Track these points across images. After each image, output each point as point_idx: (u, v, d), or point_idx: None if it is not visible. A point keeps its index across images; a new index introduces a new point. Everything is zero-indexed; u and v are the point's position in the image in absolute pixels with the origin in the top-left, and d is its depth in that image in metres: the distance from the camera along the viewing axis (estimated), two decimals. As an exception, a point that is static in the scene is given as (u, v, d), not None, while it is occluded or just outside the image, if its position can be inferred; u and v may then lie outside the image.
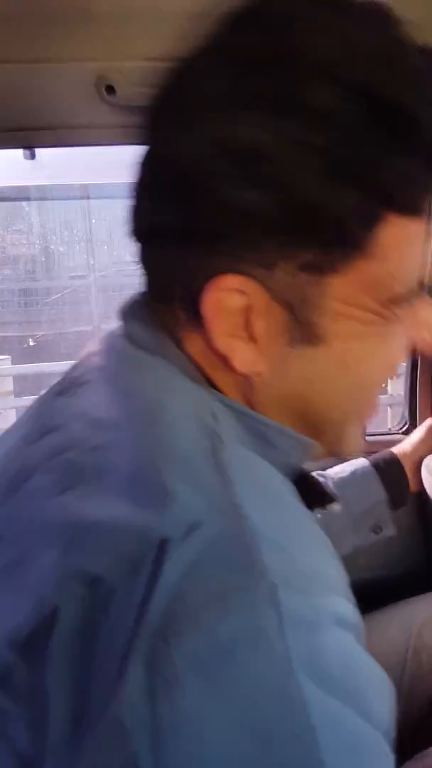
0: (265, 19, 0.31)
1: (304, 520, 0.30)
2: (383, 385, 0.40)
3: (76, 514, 0.28)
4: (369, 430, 1.04)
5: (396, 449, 0.89)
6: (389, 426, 1.12)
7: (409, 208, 0.32)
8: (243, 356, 0.33)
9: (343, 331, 0.33)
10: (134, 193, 0.35)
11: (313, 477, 0.42)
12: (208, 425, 0.32)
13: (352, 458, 0.68)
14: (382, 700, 0.27)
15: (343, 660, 0.25)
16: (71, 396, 0.37)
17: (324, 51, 0.29)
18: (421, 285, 0.36)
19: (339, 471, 0.86)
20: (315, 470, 0.88)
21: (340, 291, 0.32)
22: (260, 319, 0.33)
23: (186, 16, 0.53)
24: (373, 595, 0.88)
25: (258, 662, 0.23)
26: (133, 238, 0.36)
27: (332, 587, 0.27)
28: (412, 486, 0.86)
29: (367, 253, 0.32)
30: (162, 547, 0.25)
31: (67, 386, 0.38)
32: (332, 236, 0.31)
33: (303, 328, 0.33)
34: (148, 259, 0.36)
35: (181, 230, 0.32)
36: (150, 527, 0.26)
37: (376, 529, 0.83)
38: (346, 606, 0.27)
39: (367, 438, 1.02)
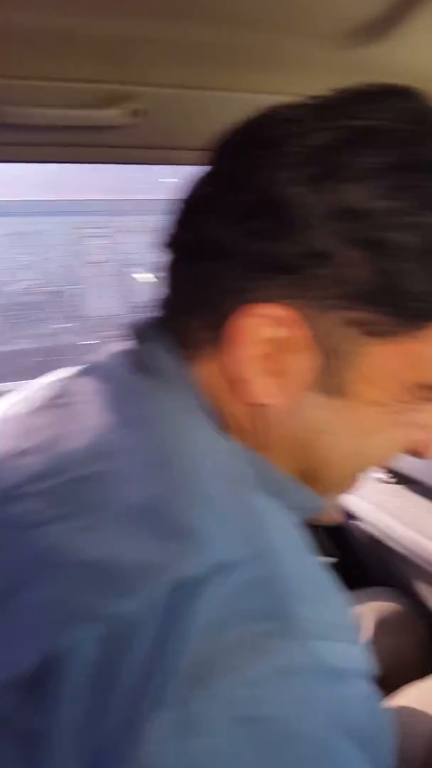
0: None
1: (323, 571, 0.29)
2: (381, 464, 0.39)
3: (82, 548, 0.26)
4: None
5: None
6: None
7: None
8: (264, 386, 0.33)
9: (366, 396, 0.34)
10: (190, 205, 0.35)
11: (317, 528, 0.41)
12: (229, 467, 0.31)
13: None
14: (389, 746, 0.28)
15: (364, 709, 0.25)
16: (48, 417, 0.34)
17: None
18: None
19: None
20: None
21: (379, 359, 0.33)
22: (293, 356, 0.32)
23: (64, 37, 0.52)
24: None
25: (289, 706, 0.23)
26: (172, 249, 0.35)
27: (355, 638, 0.27)
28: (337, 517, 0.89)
29: (421, 336, 0.33)
30: (188, 586, 0.24)
31: (40, 406, 0.35)
32: (394, 308, 0.32)
33: (329, 379, 0.33)
34: (186, 273, 0.35)
35: (246, 252, 0.32)
36: (173, 565, 0.25)
37: None
38: (363, 655, 0.27)
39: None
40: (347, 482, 0.39)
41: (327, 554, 0.97)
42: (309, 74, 0.74)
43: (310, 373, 0.33)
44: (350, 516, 0.82)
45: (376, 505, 0.72)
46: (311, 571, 0.29)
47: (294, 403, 0.34)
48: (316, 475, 0.37)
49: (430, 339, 0.33)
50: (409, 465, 0.64)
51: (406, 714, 0.60)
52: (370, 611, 0.79)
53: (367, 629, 0.77)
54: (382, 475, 0.76)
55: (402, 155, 0.30)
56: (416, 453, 0.39)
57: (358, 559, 0.92)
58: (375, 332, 0.32)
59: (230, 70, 0.69)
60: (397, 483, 0.74)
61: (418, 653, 0.77)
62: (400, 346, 0.33)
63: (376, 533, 0.76)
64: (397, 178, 0.30)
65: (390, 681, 0.74)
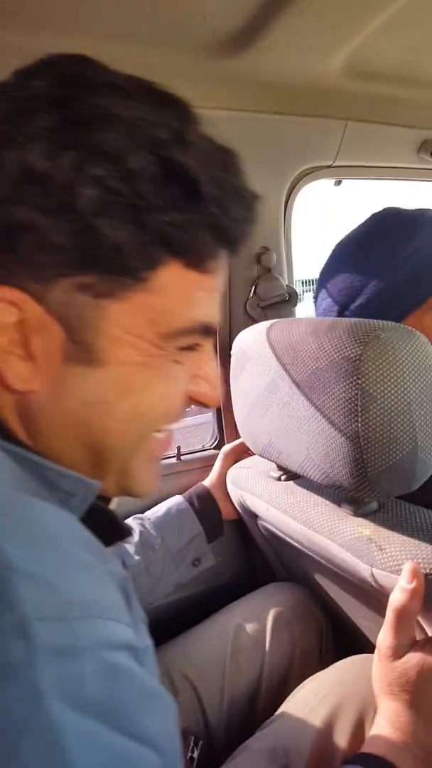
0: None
1: (76, 553, 0.30)
2: (165, 421, 0.40)
3: None
4: (184, 449, 1.08)
5: (207, 481, 0.94)
6: (203, 444, 1.17)
7: (192, 262, 0.35)
8: (16, 373, 0.33)
9: (121, 357, 0.35)
10: None
11: (108, 512, 0.42)
12: None
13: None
14: (156, 715, 0.28)
15: (104, 681, 0.26)
16: None
17: (127, 112, 0.32)
18: (204, 333, 0.38)
19: (155, 511, 0.89)
20: (126, 508, 0.90)
21: (120, 317, 0.34)
22: (36, 336, 0.33)
23: None
24: (199, 607, 0.90)
25: (4, 692, 0.23)
26: None
27: (101, 612, 0.28)
28: (226, 515, 0.91)
29: (149, 288, 0.34)
30: None
31: None
32: (110, 264, 0.32)
33: (80, 349, 0.34)
34: None
35: None
36: None
37: (195, 562, 0.87)
38: (116, 628, 0.28)
39: (184, 457, 1.05)
40: (147, 447, 0.40)
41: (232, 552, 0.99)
42: (178, 85, 0.76)
43: (58, 348, 0.33)
44: (252, 515, 0.85)
45: (270, 503, 0.75)
46: (54, 557, 0.29)
47: (56, 382, 0.34)
48: (106, 449, 0.37)
49: (156, 289, 0.34)
50: (292, 461, 0.67)
51: (302, 706, 0.62)
52: (272, 606, 0.81)
53: (269, 624, 0.79)
54: (275, 473, 0.78)
55: (61, 116, 0.32)
56: (200, 404, 0.41)
57: (263, 556, 0.94)
58: (103, 293, 0.33)
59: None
60: (287, 479, 0.77)
61: (316, 645, 0.80)
62: (131, 302, 0.34)
63: (274, 530, 0.78)
64: (61, 138, 0.31)
65: (290, 673, 0.76)
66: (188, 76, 0.75)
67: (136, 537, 0.83)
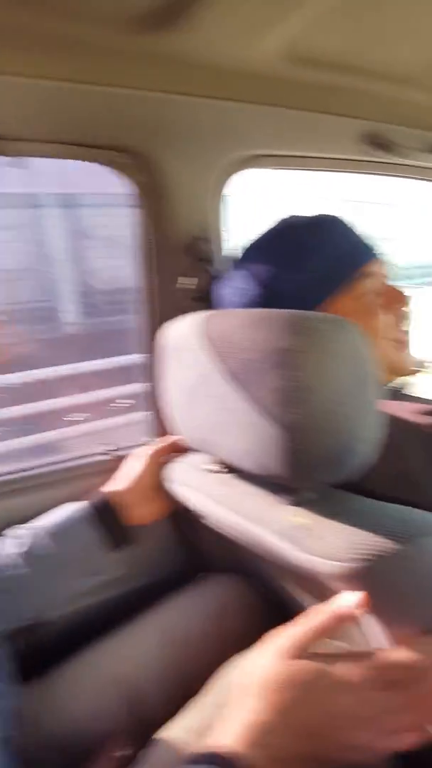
0: None
1: None
2: None
3: None
4: (121, 445, 1.05)
5: (118, 485, 0.88)
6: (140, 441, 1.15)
7: None
8: None
9: None
10: None
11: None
12: None
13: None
14: None
15: None
16: None
17: None
18: None
19: (51, 519, 0.83)
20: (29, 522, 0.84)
21: None
22: None
23: None
24: (131, 606, 0.88)
25: None
26: None
27: None
28: (151, 515, 0.87)
29: None
30: None
31: None
32: None
33: None
34: None
35: None
36: None
37: (95, 572, 0.82)
38: None
39: (121, 452, 1.03)
40: None
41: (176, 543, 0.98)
42: (99, 59, 0.72)
43: None
44: (187, 509, 0.83)
45: (206, 495, 0.74)
46: None
47: None
48: None
49: None
50: (228, 454, 0.66)
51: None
52: (209, 598, 0.81)
53: (207, 616, 0.79)
54: (211, 466, 0.77)
55: None
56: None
57: (198, 549, 0.93)
58: None
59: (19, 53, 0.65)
60: (223, 472, 0.76)
61: (256, 634, 0.80)
62: None
63: (210, 523, 0.77)
64: None
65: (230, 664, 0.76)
66: (107, 52, 0.71)
67: (25, 547, 0.79)
